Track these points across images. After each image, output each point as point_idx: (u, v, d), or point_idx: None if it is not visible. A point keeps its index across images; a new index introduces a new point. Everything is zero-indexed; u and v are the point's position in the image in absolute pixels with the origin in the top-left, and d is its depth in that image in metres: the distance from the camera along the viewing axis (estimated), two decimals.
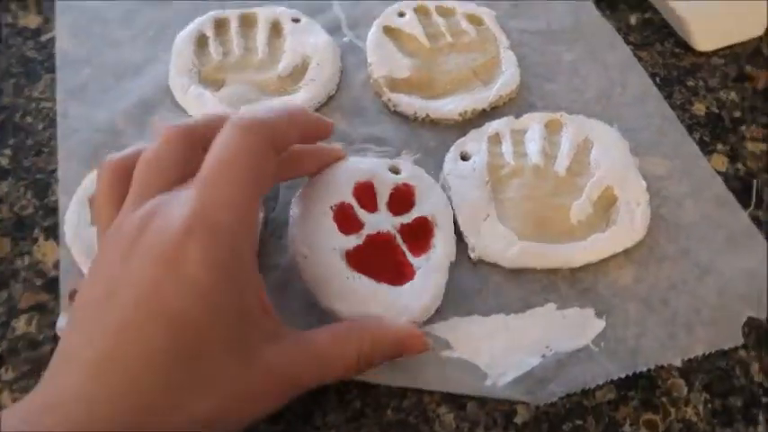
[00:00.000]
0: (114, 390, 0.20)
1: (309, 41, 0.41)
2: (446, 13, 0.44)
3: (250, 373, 0.23)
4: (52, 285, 0.33)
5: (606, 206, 0.35)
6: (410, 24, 0.42)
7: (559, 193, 0.35)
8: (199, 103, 0.38)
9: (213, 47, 0.41)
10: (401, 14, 0.43)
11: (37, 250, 0.34)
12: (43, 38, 0.43)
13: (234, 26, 0.42)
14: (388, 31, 0.42)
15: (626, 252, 0.34)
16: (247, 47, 0.41)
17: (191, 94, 0.38)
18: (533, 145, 0.37)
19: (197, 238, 0.22)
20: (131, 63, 0.41)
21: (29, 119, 0.39)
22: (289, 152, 0.29)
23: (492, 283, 0.33)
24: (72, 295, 0.32)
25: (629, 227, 0.34)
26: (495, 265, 0.34)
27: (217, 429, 0.22)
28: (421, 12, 0.44)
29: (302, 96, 0.39)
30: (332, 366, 0.26)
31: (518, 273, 0.33)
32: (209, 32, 0.41)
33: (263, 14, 0.42)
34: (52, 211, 0.35)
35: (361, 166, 0.34)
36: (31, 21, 0.44)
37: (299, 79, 0.40)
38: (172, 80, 0.39)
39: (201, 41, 0.41)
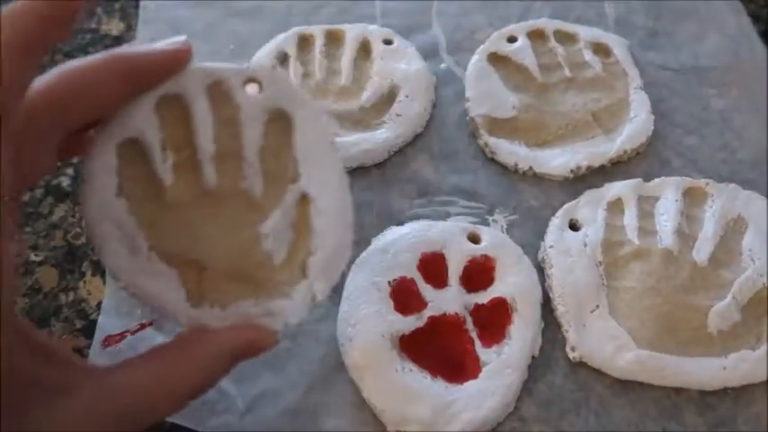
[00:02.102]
0: None
1: (400, 68, 0.36)
2: (567, 39, 0.37)
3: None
4: (91, 329, 0.30)
5: (759, 314, 0.27)
6: (521, 52, 0.36)
7: (696, 288, 0.27)
8: None
9: (293, 67, 0.36)
10: (511, 39, 0.37)
11: (83, 287, 0.32)
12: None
13: (318, 44, 0.37)
14: (495, 59, 0.36)
15: None
16: (331, 68, 0.36)
17: None
18: (666, 221, 0.29)
19: None
20: None
21: None
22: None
23: (594, 396, 0.26)
24: (105, 342, 0.29)
25: None
26: (600, 372, 0.27)
27: None
28: (536, 37, 0.37)
29: (384, 134, 0.33)
30: (144, 414, 0.20)
31: (630, 386, 0.27)
32: (292, 50, 0.37)
33: (352, 33, 0.37)
34: None
35: (431, 233, 0.29)
36: (114, 26, 0.42)
37: (384, 111, 0.34)
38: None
39: (282, 60, 0.37)
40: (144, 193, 0.22)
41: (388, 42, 0.37)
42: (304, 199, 0.23)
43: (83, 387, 0.19)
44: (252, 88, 0.22)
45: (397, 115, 0.34)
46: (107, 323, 0.30)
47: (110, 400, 0.19)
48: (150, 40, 0.39)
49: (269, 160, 0.23)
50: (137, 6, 0.42)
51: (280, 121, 0.23)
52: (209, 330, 0.22)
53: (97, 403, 0.19)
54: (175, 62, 0.21)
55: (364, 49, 0.37)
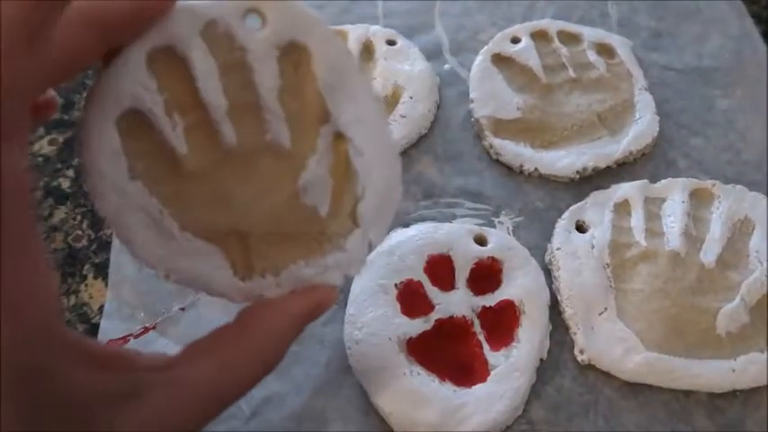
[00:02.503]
0: None
1: (404, 69, 0.35)
2: (571, 40, 0.36)
3: None
4: (93, 333, 0.30)
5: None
6: (525, 53, 0.35)
7: (704, 290, 0.27)
8: None
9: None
10: (515, 40, 0.36)
11: (84, 290, 0.31)
12: None
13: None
14: (499, 60, 0.36)
15: None
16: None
17: None
18: (673, 222, 0.29)
19: None
20: None
21: None
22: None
23: (603, 399, 0.26)
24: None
25: None
26: (608, 375, 0.27)
27: None
28: (540, 37, 0.36)
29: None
30: (222, 403, 0.20)
31: (639, 389, 0.26)
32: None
33: (355, 34, 0.37)
34: (106, 245, 0.32)
35: (437, 235, 0.29)
36: None
37: (388, 113, 0.34)
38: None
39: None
40: (159, 169, 0.19)
41: (391, 43, 0.37)
42: (339, 139, 0.20)
43: (151, 389, 0.18)
44: (253, 22, 0.19)
45: (402, 116, 0.33)
46: (109, 327, 0.29)
47: (180, 399, 0.19)
48: None
49: (291, 102, 0.19)
50: None
51: (293, 54, 0.19)
52: (269, 303, 0.20)
53: (168, 402, 0.18)
54: (154, 5, 0.18)
55: (367, 51, 0.36)
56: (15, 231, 0.15)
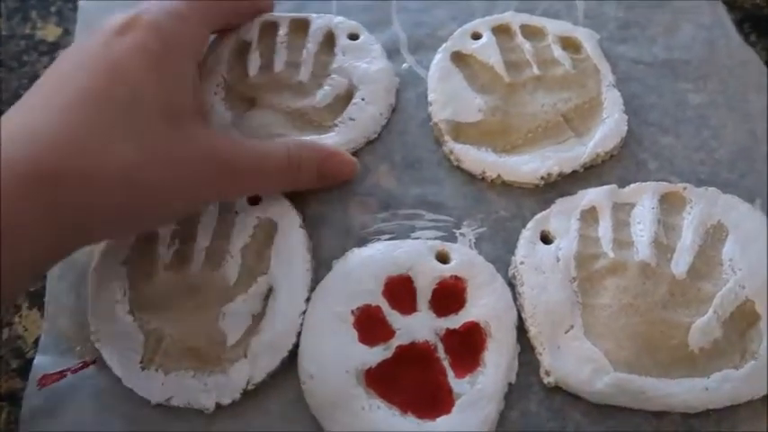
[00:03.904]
0: (53, 127, 0.22)
1: (360, 67, 0.33)
2: (534, 34, 0.34)
3: (176, 137, 0.24)
4: (27, 370, 0.27)
5: (742, 328, 0.26)
6: (486, 50, 0.33)
7: (675, 303, 0.26)
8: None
9: (253, 57, 0.33)
10: (476, 36, 0.34)
11: (18, 321, 0.29)
12: (60, 53, 0.38)
13: (282, 33, 0.33)
14: (459, 58, 0.34)
15: (766, 397, 0.24)
16: (291, 61, 0.33)
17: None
18: (643, 230, 0.27)
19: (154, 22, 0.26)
20: None
21: None
22: None
23: (571, 424, 0.25)
24: (41, 381, 0.27)
25: None
26: (577, 398, 0.25)
27: (148, 198, 0.24)
28: (502, 32, 0.34)
29: (333, 138, 0.31)
30: (263, 160, 0.27)
31: (609, 411, 0.25)
32: (254, 38, 0.33)
33: (317, 24, 0.34)
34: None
35: (396, 254, 0.27)
36: (50, 32, 0.39)
37: (338, 113, 0.32)
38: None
39: (242, 49, 0.33)
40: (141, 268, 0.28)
41: (353, 37, 0.34)
42: (270, 292, 0.27)
43: (216, 133, 0.28)
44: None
45: (351, 119, 0.31)
46: (45, 362, 0.27)
47: (235, 143, 0.27)
48: None
49: (248, 256, 0.27)
50: (74, 9, 0.38)
51: (268, 226, 0.28)
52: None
53: (226, 140, 0.27)
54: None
55: (328, 43, 0.34)
56: None
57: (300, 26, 0.34)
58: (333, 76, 0.33)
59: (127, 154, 0.23)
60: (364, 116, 0.32)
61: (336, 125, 0.31)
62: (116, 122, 0.23)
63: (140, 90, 0.24)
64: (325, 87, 0.32)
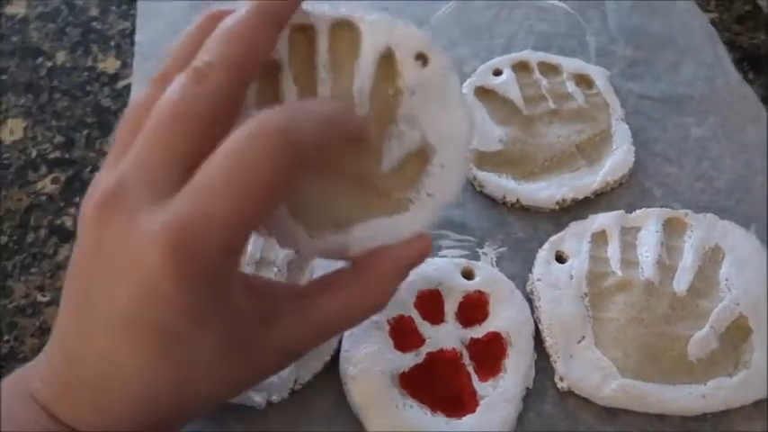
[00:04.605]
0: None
1: (437, 117, 0.23)
2: (550, 71, 0.38)
3: (246, 367, 0.22)
4: None
5: (736, 341, 0.28)
6: (507, 86, 0.37)
7: (676, 318, 0.29)
8: None
9: (287, 87, 0.23)
10: (497, 72, 0.38)
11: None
12: (120, 84, 0.42)
13: (322, 47, 0.23)
14: (481, 93, 0.37)
15: (758, 402, 0.27)
16: (338, 93, 0.23)
17: None
18: (647, 252, 0.30)
19: (174, 258, 0.19)
20: None
21: None
22: None
23: (582, 424, 0.28)
24: None
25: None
26: (587, 401, 0.28)
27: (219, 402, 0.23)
28: (521, 69, 0.38)
29: (409, 224, 0.23)
30: (339, 330, 0.25)
31: (615, 414, 0.28)
32: (283, 55, 0.22)
33: (372, 35, 0.22)
34: None
35: (427, 272, 0.30)
36: (110, 65, 0.43)
37: (410, 180, 0.23)
38: None
39: (271, 71, 0.23)
40: None
41: (421, 59, 0.22)
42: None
43: (286, 314, 0.22)
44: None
45: (429, 195, 0.23)
46: None
47: (306, 325, 0.22)
48: (147, 77, 0.40)
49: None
50: (132, 43, 0.43)
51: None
52: (382, 252, 0.22)
53: (298, 327, 0.22)
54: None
55: (387, 63, 0.23)
56: None
57: (344, 32, 0.23)
58: (399, 124, 0.23)
59: (200, 396, 0.21)
60: (446, 191, 0.23)
61: (412, 201, 0.23)
62: (177, 397, 0.21)
63: (194, 346, 0.20)
64: (392, 142, 0.23)
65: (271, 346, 0.22)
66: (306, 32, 0.23)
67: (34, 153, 0.38)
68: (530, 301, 0.30)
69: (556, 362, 0.29)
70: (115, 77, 0.42)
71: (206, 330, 0.20)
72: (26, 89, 0.41)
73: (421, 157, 0.23)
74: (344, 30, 0.23)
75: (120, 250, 0.19)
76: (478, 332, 0.29)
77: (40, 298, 0.33)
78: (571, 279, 0.30)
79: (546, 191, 0.33)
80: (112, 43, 0.43)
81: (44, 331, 0.32)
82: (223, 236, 0.19)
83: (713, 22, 0.41)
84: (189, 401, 0.21)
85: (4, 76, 0.41)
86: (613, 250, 0.31)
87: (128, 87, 0.41)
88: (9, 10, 0.45)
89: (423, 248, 0.23)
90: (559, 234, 0.32)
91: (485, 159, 0.35)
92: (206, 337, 0.20)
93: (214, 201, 0.18)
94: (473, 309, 0.29)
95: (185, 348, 0.20)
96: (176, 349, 0.20)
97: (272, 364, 0.23)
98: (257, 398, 0.28)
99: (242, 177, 0.18)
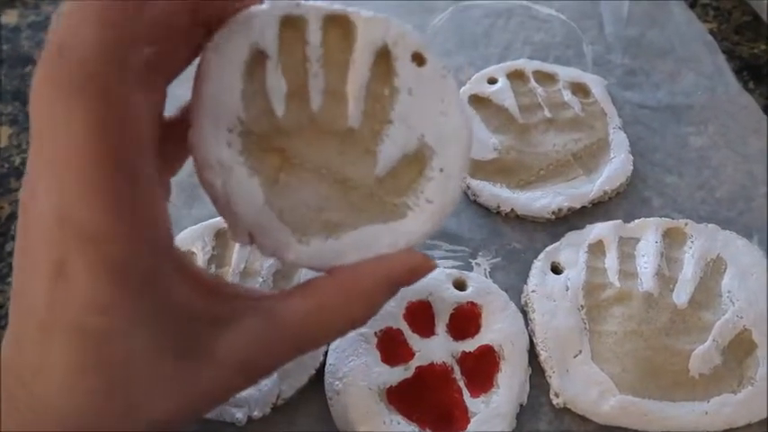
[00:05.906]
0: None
1: (435, 118, 0.21)
2: (546, 79, 0.37)
3: (201, 373, 0.19)
4: None
5: (740, 356, 0.27)
6: (501, 94, 0.36)
7: (677, 331, 0.28)
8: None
9: (273, 78, 0.20)
10: (492, 81, 0.37)
11: None
12: None
13: (314, 40, 0.21)
14: (476, 101, 0.36)
15: (763, 421, 0.26)
16: (331, 90, 0.21)
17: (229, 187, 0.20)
18: (647, 263, 0.29)
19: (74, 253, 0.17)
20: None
21: None
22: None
23: None
24: None
25: None
26: (584, 418, 0.27)
27: (180, 425, 0.19)
28: (516, 78, 0.37)
29: (408, 232, 0.21)
30: (309, 343, 0.21)
31: None
32: (271, 47, 0.20)
33: (368, 34, 0.21)
34: None
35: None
36: None
37: (406, 184, 0.21)
38: (199, 149, 0.20)
39: (258, 61, 0.20)
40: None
41: (418, 59, 0.21)
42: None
43: (247, 316, 0.19)
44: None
45: (428, 201, 0.21)
46: None
47: (272, 329, 0.19)
48: None
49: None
50: None
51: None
52: (366, 264, 0.20)
53: (261, 332, 0.19)
54: None
55: (382, 60, 0.21)
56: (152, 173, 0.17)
57: (339, 27, 0.21)
58: (395, 124, 0.21)
59: (155, 412, 0.19)
60: (445, 198, 0.21)
61: (410, 207, 0.21)
62: (118, 401, 0.18)
63: (128, 350, 0.18)
64: (386, 144, 0.21)
65: (224, 354, 0.19)
66: (297, 25, 0.21)
67: (18, 161, 0.37)
68: (524, 313, 0.29)
69: (551, 377, 0.27)
70: None
71: (137, 334, 0.17)
72: (14, 97, 0.40)
73: (418, 160, 0.21)
74: (338, 24, 0.21)
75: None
76: (470, 345, 0.28)
77: None
78: (567, 291, 0.29)
79: (541, 200, 0.32)
80: None
81: None
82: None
83: (712, 32, 0.40)
84: (131, 418, 0.18)
85: None
86: (611, 261, 0.30)
87: None
88: (2, 19, 0.45)
89: (414, 265, 0.20)
90: (555, 244, 0.31)
91: (479, 168, 0.34)
92: (137, 341, 0.17)
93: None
94: (465, 321, 0.28)
95: (115, 352, 0.17)
96: (105, 350, 0.17)
97: (227, 377, 0.19)
98: (238, 414, 0.27)
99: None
